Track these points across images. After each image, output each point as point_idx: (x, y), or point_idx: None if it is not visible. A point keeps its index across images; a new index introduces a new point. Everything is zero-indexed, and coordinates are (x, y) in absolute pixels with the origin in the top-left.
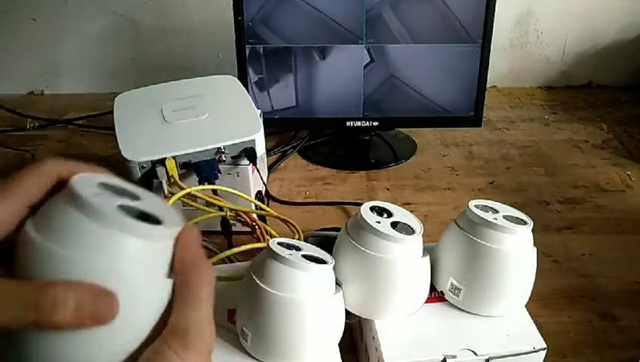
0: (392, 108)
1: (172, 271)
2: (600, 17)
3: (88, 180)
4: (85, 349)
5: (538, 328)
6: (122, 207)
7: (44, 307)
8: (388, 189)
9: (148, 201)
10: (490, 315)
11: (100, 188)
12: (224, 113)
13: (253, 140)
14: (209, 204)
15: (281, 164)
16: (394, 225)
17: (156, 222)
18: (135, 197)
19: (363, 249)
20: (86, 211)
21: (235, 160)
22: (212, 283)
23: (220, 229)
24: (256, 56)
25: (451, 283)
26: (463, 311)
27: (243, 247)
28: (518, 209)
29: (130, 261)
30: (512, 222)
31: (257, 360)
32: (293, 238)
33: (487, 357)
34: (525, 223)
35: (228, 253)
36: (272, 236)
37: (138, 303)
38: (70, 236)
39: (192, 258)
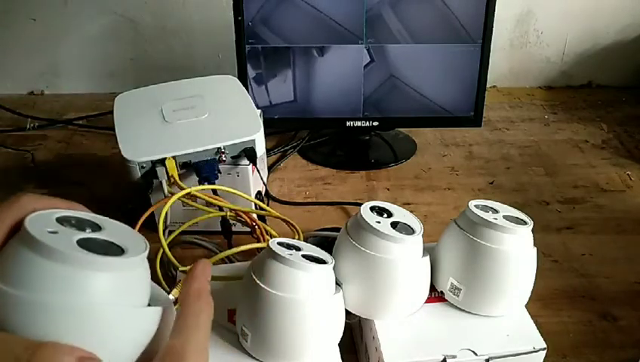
0: (392, 108)
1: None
2: (600, 17)
3: (45, 218)
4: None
5: (538, 328)
6: (82, 241)
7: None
8: (388, 189)
9: (111, 230)
10: (490, 315)
11: (59, 224)
12: (224, 113)
13: (253, 140)
14: (209, 204)
15: (281, 164)
16: (394, 225)
17: (120, 252)
18: (97, 228)
19: (363, 249)
20: (41, 251)
21: (235, 160)
22: (211, 316)
23: (220, 229)
24: (256, 56)
25: (451, 283)
26: (463, 311)
27: (243, 247)
28: (518, 209)
29: (97, 296)
30: (512, 222)
31: (257, 360)
32: (294, 238)
33: (487, 357)
34: (525, 223)
35: (228, 252)
36: (272, 236)
37: (116, 339)
38: (29, 278)
39: (198, 289)
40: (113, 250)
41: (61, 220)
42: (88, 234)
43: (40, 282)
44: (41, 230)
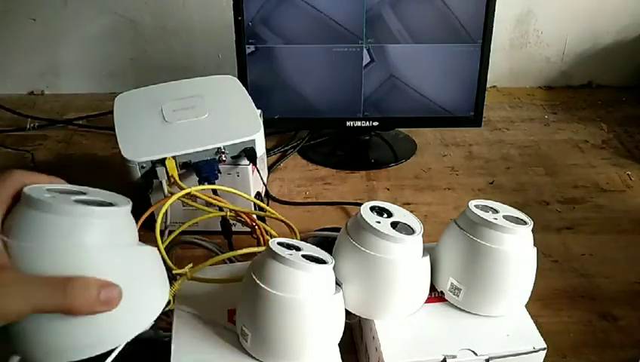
0: (392, 108)
1: None
2: (600, 17)
3: (39, 189)
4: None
5: (538, 328)
6: (78, 201)
7: (71, 293)
8: (388, 189)
9: (95, 194)
10: (490, 315)
11: (50, 192)
12: (224, 113)
13: (253, 140)
14: (209, 204)
15: (281, 164)
16: (394, 225)
17: (110, 205)
18: (82, 194)
19: (363, 249)
20: (48, 209)
21: (235, 160)
22: None
23: (220, 229)
24: (256, 56)
25: (451, 283)
26: (463, 311)
27: (243, 250)
28: (518, 209)
29: (100, 238)
30: (512, 222)
31: (257, 360)
32: (292, 238)
33: (487, 357)
34: (525, 223)
35: (228, 255)
36: (272, 236)
37: (120, 272)
38: (41, 232)
39: None
40: (105, 204)
41: (50, 190)
42: (79, 196)
43: (51, 233)
44: (43, 195)
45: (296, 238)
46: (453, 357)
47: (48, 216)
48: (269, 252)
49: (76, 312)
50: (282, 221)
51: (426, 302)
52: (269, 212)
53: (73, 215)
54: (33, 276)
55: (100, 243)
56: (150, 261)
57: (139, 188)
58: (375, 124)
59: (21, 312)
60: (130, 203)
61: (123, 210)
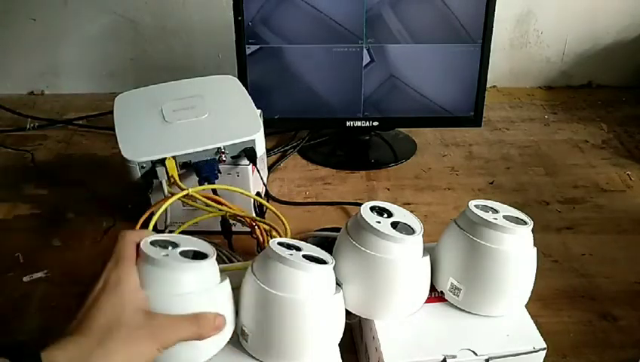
0: (392, 108)
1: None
2: (600, 17)
3: (147, 244)
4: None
5: (538, 328)
6: (182, 253)
7: (203, 325)
8: (388, 189)
9: (188, 242)
10: (490, 315)
11: (153, 246)
12: (224, 113)
13: (253, 140)
14: (209, 204)
15: (281, 164)
16: (394, 225)
17: (204, 256)
18: (177, 245)
19: (363, 249)
20: (166, 266)
21: (235, 160)
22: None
23: (220, 229)
24: (256, 56)
25: (451, 283)
26: (463, 311)
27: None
28: (518, 209)
29: (202, 283)
30: (512, 222)
31: (257, 360)
32: (280, 236)
33: (487, 357)
34: (525, 223)
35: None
36: (271, 236)
37: (224, 304)
38: (164, 282)
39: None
40: (198, 253)
41: (153, 243)
42: (177, 248)
43: (178, 283)
44: (157, 253)
45: (287, 236)
46: (453, 357)
47: (174, 273)
48: (269, 252)
49: (204, 338)
50: (277, 216)
51: (426, 302)
52: (269, 208)
53: (190, 269)
54: (174, 316)
55: (210, 284)
56: (229, 291)
57: (139, 188)
58: (375, 124)
59: (172, 343)
60: (215, 251)
61: (212, 260)
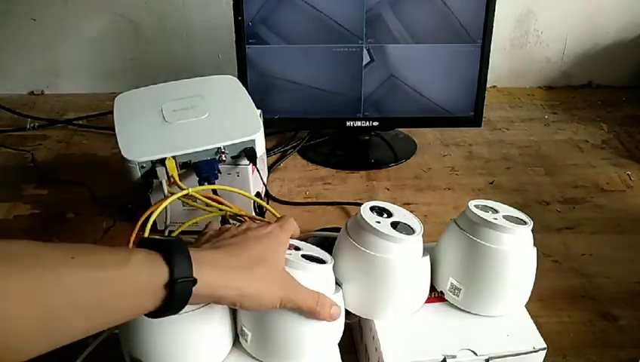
0: (392, 108)
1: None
2: (600, 17)
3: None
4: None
5: (538, 328)
6: (305, 256)
7: (322, 304)
8: (388, 189)
9: (308, 248)
10: (490, 315)
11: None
12: (224, 113)
13: (253, 140)
14: (209, 204)
15: (281, 164)
16: (394, 225)
17: (323, 261)
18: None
19: (363, 249)
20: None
21: (235, 160)
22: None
23: None
24: (256, 56)
25: (451, 283)
26: (463, 311)
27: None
28: (518, 209)
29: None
30: (512, 222)
31: (257, 360)
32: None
33: (487, 357)
34: (525, 223)
35: None
36: None
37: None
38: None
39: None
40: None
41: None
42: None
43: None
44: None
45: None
46: (453, 357)
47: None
48: None
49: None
50: (277, 216)
51: (426, 302)
52: (269, 210)
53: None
54: (304, 286)
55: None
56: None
57: (139, 188)
58: (375, 124)
59: (292, 305)
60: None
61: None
